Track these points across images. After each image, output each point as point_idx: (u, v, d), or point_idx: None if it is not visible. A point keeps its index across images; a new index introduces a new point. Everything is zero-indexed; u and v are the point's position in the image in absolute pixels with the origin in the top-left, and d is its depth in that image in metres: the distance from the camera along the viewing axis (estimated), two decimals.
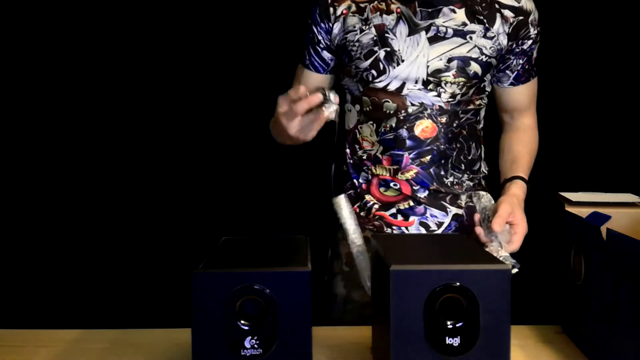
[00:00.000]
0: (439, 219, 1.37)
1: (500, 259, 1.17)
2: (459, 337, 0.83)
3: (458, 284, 0.82)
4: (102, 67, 2.11)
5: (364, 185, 1.40)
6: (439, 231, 1.36)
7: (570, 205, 1.15)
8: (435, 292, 0.83)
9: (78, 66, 2.10)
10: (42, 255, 2.15)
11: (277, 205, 2.12)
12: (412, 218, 1.36)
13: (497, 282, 0.83)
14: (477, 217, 1.27)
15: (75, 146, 2.14)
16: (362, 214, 1.39)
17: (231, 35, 2.12)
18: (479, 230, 1.25)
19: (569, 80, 2.06)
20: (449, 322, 0.83)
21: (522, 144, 1.43)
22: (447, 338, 0.83)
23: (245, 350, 0.85)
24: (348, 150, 1.42)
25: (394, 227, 1.37)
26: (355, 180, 1.41)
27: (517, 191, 1.33)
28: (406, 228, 1.36)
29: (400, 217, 1.36)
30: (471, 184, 1.41)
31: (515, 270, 1.19)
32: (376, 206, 1.38)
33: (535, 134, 1.46)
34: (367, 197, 1.39)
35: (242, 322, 0.85)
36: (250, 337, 0.85)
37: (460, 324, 0.83)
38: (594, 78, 2.06)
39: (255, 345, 0.85)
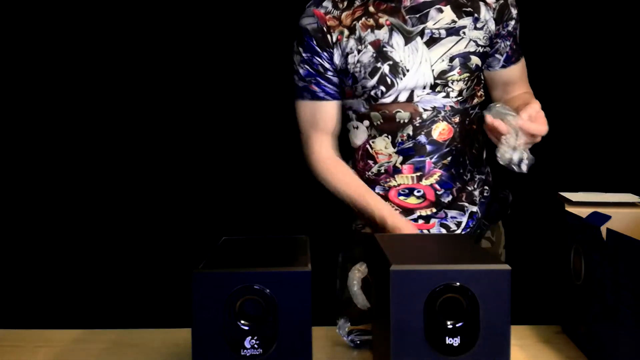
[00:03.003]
0: (458, 219, 1.38)
1: (516, 153, 1.14)
2: (459, 337, 0.83)
3: (458, 284, 0.82)
4: (102, 68, 2.11)
5: (381, 193, 1.39)
6: (459, 231, 1.38)
7: (570, 205, 1.15)
8: (435, 292, 0.83)
9: (78, 66, 2.10)
10: (42, 255, 2.15)
11: (277, 205, 2.12)
12: (432, 221, 1.37)
13: (497, 282, 0.83)
14: (489, 118, 1.17)
15: (76, 146, 2.14)
16: None
17: (231, 36, 2.12)
18: (497, 122, 1.14)
19: (569, 80, 2.06)
20: (449, 322, 0.83)
21: (523, 99, 1.37)
22: (447, 338, 0.83)
23: (245, 350, 0.85)
24: (359, 168, 1.41)
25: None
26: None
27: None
28: (428, 230, 1.38)
29: (421, 221, 1.37)
30: (483, 177, 1.43)
31: (529, 164, 1.15)
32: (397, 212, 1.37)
33: (532, 97, 1.42)
34: (388, 203, 1.38)
35: (242, 322, 0.85)
36: (250, 337, 0.85)
37: (460, 324, 0.83)
38: (594, 78, 2.06)
39: (255, 345, 0.85)
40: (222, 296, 0.84)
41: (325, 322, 1.31)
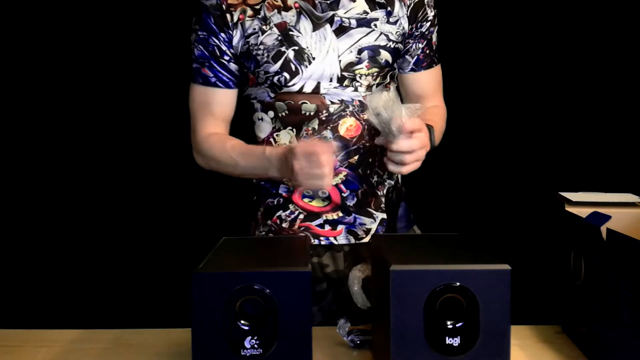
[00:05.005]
0: (367, 226, 1.30)
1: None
2: (459, 337, 0.83)
3: (458, 284, 0.83)
4: (102, 68, 2.11)
5: (284, 195, 1.31)
6: (367, 239, 1.30)
7: (570, 205, 1.15)
8: (435, 292, 0.83)
9: (77, 66, 2.10)
10: (42, 255, 2.15)
11: None
12: (340, 227, 1.29)
13: (497, 282, 0.83)
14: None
15: (76, 146, 2.14)
16: (284, 225, 1.30)
17: None
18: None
19: (569, 80, 2.06)
20: (449, 322, 0.83)
21: (430, 114, 1.34)
22: (447, 338, 0.83)
23: (245, 350, 0.85)
24: None
25: (321, 238, 1.30)
26: (274, 191, 1.32)
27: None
28: (334, 238, 1.30)
29: (327, 227, 1.29)
30: (392, 182, 1.36)
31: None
32: (301, 216, 1.30)
33: (443, 112, 1.40)
34: (291, 206, 1.30)
35: (242, 322, 0.85)
36: (250, 337, 0.85)
37: (460, 324, 0.83)
38: (594, 78, 2.06)
39: (255, 345, 0.85)
40: (222, 296, 0.84)
41: (325, 322, 1.32)
